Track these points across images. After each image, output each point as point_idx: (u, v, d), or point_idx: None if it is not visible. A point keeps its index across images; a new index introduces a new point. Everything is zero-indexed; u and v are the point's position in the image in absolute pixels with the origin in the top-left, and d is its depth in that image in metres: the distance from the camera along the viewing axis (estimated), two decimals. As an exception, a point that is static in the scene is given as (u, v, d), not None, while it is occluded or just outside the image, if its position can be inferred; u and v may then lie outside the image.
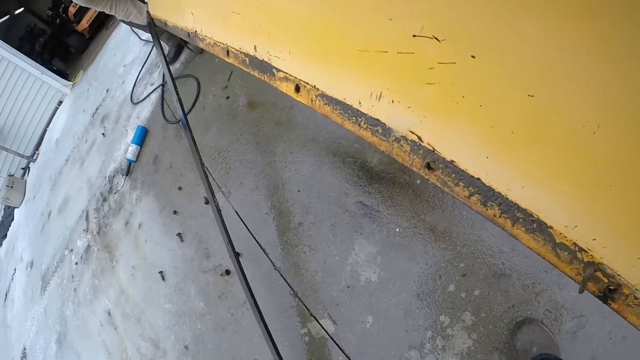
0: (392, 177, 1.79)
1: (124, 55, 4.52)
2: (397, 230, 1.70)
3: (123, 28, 4.75)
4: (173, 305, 2.39)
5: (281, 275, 1.76)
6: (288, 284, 1.72)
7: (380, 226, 1.74)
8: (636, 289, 0.52)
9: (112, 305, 2.83)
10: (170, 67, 3.30)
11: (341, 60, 0.89)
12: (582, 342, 1.28)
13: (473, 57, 0.61)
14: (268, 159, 2.25)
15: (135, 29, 4.04)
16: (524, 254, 1.44)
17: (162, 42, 3.34)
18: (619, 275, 0.53)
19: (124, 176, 3.22)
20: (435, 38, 0.65)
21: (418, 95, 0.73)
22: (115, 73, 4.49)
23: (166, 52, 3.39)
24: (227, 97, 2.69)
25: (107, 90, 4.46)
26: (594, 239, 0.55)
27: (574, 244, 0.57)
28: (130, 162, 3.19)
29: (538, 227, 0.60)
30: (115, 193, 3.29)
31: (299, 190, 2.04)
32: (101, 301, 2.95)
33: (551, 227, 0.59)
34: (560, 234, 0.58)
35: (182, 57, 3.35)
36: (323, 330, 1.67)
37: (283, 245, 1.99)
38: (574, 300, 1.32)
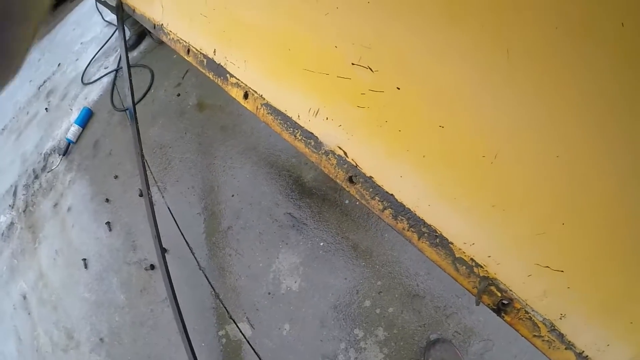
0: (323, 194, 1.89)
1: (84, 32, 4.32)
2: (322, 244, 1.79)
3: (88, 4, 4.55)
4: (92, 294, 2.33)
5: (205, 275, 1.78)
6: (210, 284, 1.75)
7: (305, 238, 1.82)
8: (527, 304, 0.57)
9: (29, 289, 2.69)
10: (128, 55, 3.24)
11: (288, 76, 0.97)
12: (488, 364, 1.38)
13: (398, 88, 0.69)
14: (208, 161, 2.28)
15: (100, 8, 3.90)
16: (438, 278, 1.55)
17: (125, 28, 3.27)
18: (511, 290, 0.58)
19: (61, 156, 3.09)
20: (369, 68, 0.74)
21: (349, 116, 0.81)
22: (70, 49, 4.27)
23: (127, 38, 3.32)
24: (178, 95, 2.69)
25: (58, 65, 4.24)
26: (489, 256, 0.60)
27: (472, 259, 0.62)
28: (69, 142, 3.06)
29: (440, 242, 0.66)
30: (48, 172, 3.14)
31: (232, 195, 2.09)
32: (17, 283, 2.79)
33: (452, 243, 0.65)
34: (460, 249, 0.64)
35: (142, 46, 3.29)
36: (240, 334, 1.70)
37: (210, 246, 2.03)
38: (482, 325, 1.43)
